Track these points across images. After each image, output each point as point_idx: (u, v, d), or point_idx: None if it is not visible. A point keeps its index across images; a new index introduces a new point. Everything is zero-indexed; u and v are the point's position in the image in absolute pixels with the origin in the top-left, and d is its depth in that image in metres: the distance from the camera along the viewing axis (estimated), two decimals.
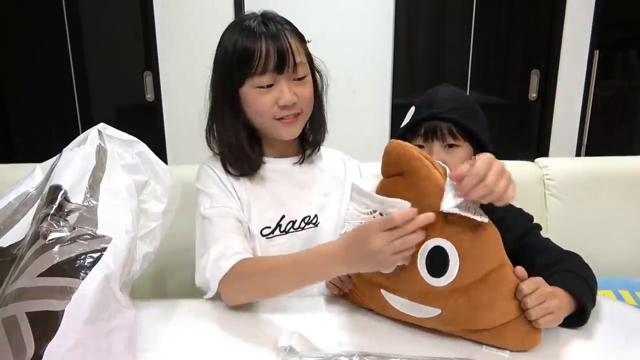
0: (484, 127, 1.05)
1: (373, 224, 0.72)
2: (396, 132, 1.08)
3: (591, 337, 0.82)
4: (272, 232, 1.02)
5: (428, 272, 0.75)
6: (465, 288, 0.75)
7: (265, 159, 1.04)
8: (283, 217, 1.03)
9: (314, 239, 1.07)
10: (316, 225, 1.07)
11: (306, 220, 1.06)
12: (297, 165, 1.08)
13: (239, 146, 1.00)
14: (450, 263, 0.74)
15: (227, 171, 1.02)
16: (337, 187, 1.12)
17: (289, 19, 0.99)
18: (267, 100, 0.95)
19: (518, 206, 1.05)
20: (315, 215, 1.07)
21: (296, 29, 0.99)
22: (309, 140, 1.08)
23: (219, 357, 0.79)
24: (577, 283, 0.83)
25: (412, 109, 1.07)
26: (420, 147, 1.03)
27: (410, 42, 2.71)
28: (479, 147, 1.03)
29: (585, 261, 0.91)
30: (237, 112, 0.98)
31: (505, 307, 0.76)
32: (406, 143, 0.78)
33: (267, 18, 0.96)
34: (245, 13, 1.02)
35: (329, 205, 1.09)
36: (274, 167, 1.05)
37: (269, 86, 0.95)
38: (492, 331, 0.77)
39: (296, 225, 1.05)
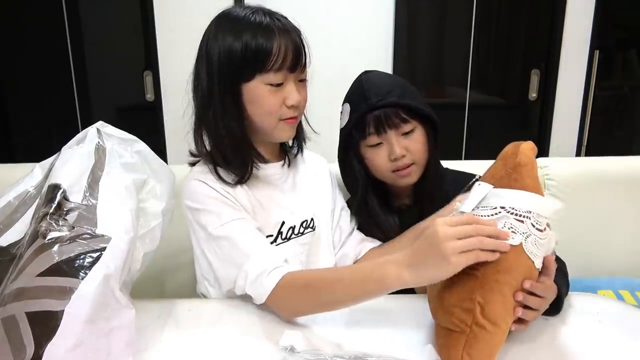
0: (420, 99, 1.04)
1: (441, 218, 0.69)
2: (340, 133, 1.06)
3: (591, 337, 0.82)
4: (275, 240, 1.00)
5: None
6: None
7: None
8: (283, 223, 1.01)
9: (313, 244, 1.05)
10: (314, 229, 1.06)
11: (304, 225, 1.04)
12: (285, 168, 1.05)
13: (244, 139, 0.95)
14: None
15: (220, 179, 0.96)
16: (325, 187, 1.12)
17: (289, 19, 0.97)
18: (276, 100, 0.92)
19: None
20: (312, 219, 1.06)
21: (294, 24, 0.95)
22: (290, 145, 1.07)
23: (219, 357, 0.79)
24: (559, 276, 0.85)
25: (347, 107, 1.05)
26: (379, 144, 1.02)
27: (410, 42, 2.71)
28: (427, 121, 1.04)
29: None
30: (240, 107, 0.93)
31: (446, 310, 0.73)
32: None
33: (268, 12, 0.92)
34: (232, 6, 0.96)
35: (322, 206, 1.09)
36: (265, 172, 1.01)
37: (279, 85, 0.91)
38: (437, 328, 0.76)
39: (296, 231, 1.03)
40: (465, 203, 0.73)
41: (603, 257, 1.42)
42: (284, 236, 1.01)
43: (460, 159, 2.71)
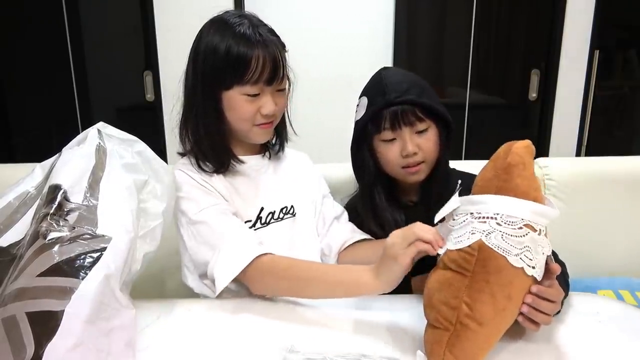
0: (436, 99, 1.07)
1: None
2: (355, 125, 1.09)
3: (591, 337, 0.82)
4: (254, 225, 1.04)
5: None
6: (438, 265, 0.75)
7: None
8: (262, 209, 1.05)
9: (294, 229, 1.09)
10: (294, 215, 1.10)
11: (284, 211, 1.08)
12: (265, 159, 1.11)
13: (222, 141, 1.01)
14: None
15: (200, 169, 1.02)
16: (307, 178, 1.16)
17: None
18: (252, 108, 0.98)
19: None
20: (292, 206, 1.09)
21: (279, 37, 1.00)
22: (272, 144, 1.13)
23: (219, 356, 0.79)
24: (558, 277, 0.84)
25: (364, 100, 1.07)
26: (392, 139, 1.04)
27: (410, 42, 2.71)
28: (441, 121, 1.06)
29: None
30: (219, 112, 0.99)
31: (433, 307, 0.73)
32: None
33: (254, 24, 0.96)
34: (225, 11, 1.01)
35: (303, 194, 1.13)
36: (244, 165, 1.06)
37: (255, 95, 0.97)
38: (426, 324, 0.76)
39: (276, 216, 1.07)
40: (437, 214, 0.77)
41: (603, 257, 1.42)
42: (263, 221, 1.05)
43: (460, 159, 2.71)
